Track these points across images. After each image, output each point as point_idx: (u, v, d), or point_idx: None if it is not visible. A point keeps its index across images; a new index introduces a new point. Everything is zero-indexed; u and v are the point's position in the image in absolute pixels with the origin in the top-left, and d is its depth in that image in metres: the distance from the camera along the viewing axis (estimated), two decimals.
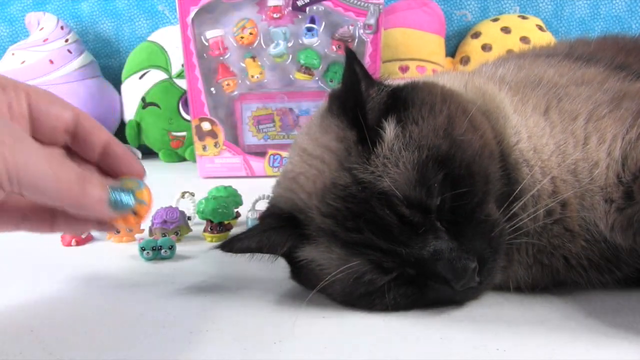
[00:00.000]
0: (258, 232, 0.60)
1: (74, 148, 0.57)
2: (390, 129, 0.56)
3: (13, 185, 0.45)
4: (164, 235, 0.83)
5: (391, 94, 0.60)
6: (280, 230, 0.59)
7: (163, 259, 0.78)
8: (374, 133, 0.56)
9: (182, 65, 1.34)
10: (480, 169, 0.55)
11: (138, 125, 1.54)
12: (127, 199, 0.54)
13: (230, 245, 0.60)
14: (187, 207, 0.94)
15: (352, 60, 0.56)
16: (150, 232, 0.85)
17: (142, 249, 0.77)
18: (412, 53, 1.49)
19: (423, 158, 0.54)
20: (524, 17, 1.58)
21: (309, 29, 1.23)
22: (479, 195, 0.54)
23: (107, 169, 0.58)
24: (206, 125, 1.30)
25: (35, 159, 0.46)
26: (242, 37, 1.24)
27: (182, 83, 1.48)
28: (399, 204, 0.53)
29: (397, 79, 0.66)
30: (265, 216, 0.63)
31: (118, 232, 0.67)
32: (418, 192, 0.53)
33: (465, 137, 0.55)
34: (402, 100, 0.59)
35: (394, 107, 0.58)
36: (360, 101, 0.56)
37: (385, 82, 0.62)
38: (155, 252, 0.77)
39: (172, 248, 0.78)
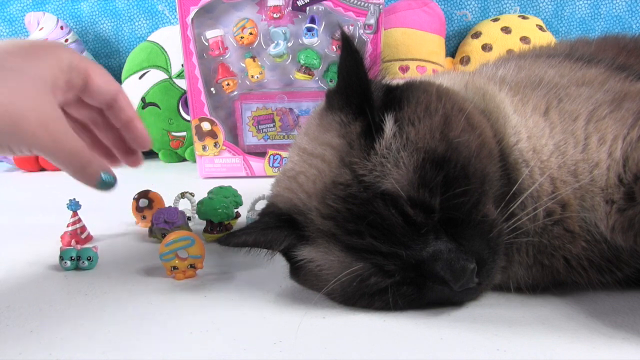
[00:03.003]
0: (255, 230, 0.60)
1: (107, 113, 0.72)
2: (389, 126, 0.56)
3: (41, 153, 0.61)
4: (164, 235, 0.83)
5: (387, 91, 0.60)
6: (277, 229, 0.59)
7: (82, 269, 0.75)
8: (377, 124, 0.56)
9: (182, 65, 1.34)
10: (476, 170, 0.55)
11: None
12: (109, 185, 0.68)
13: (228, 240, 0.61)
14: (187, 207, 0.94)
15: (350, 43, 0.56)
16: (151, 233, 0.85)
17: (61, 258, 0.74)
18: (413, 53, 1.49)
19: (420, 161, 0.54)
20: (524, 17, 1.59)
21: (309, 29, 1.23)
22: (475, 196, 0.54)
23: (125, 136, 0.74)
24: (206, 126, 1.30)
25: (65, 141, 0.62)
26: (242, 37, 1.24)
27: (182, 83, 1.48)
28: (404, 203, 0.53)
29: (398, 79, 0.66)
30: (263, 214, 0.64)
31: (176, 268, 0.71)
32: (421, 193, 0.53)
33: (461, 137, 0.55)
34: (397, 100, 0.59)
35: (391, 106, 0.58)
36: (365, 82, 0.56)
37: (384, 80, 0.62)
38: (74, 262, 0.74)
39: (90, 259, 0.74)
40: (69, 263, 0.74)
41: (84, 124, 0.76)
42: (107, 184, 0.70)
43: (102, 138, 0.75)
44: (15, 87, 0.59)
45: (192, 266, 0.70)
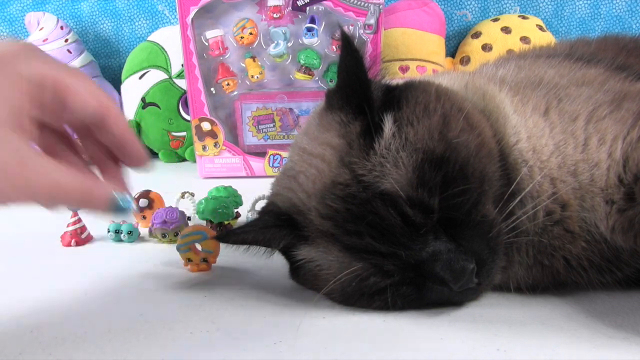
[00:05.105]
0: (254, 228, 0.60)
1: (95, 132, 0.60)
2: (388, 126, 0.56)
3: (28, 201, 0.52)
4: (164, 235, 0.83)
5: (386, 91, 0.60)
6: (276, 228, 0.60)
7: (123, 241, 0.85)
8: (377, 124, 0.56)
9: (182, 65, 1.34)
10: (474, 170, 0.55)
11: (138, 125, 1.54)
12: (126, 204, 0.59)
13: (227, 237, 0.62)
14: (187, 207, 0.94)
15: (350, 43, 0.56)
16: (150, 233, 0.85)
17: (107, 230, 0.85)
18: (413, 53, 1.49)
19: (419, 161, 0.54)
20: (524, 17, 1.58)
21: (309, 29, 1.23)
22: (474, 195, 0.54)
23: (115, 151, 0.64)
24: (206, 126, 1.30)
25: (44, 176, 0.51)
26: (242, 37, 1.24)
27: (182, 83, 1.48)
28: (403, 203, 0.53)
29: (397, 79, 0.66)
30: (263, 212, 0.64)
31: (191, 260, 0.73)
32: (420, 193, 0.53)
33: (460, 137, 0.55)
34: (397, 100, 0.59)
35: (390, 106, 0.58)
36: (365, 81, 0.56)
37: (383, 80, 0.62)
38: (118, 234, 0.85)
39: (131, 233, 0.85)
40: (113, 235, 0.85)
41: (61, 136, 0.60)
42: (122, 207, 0.59)
43: (88, 153, 0.63)
44: None
45: (205, 260, 0.72)
